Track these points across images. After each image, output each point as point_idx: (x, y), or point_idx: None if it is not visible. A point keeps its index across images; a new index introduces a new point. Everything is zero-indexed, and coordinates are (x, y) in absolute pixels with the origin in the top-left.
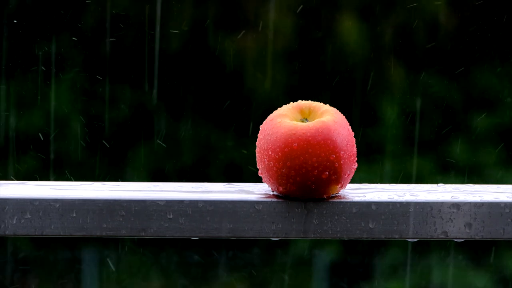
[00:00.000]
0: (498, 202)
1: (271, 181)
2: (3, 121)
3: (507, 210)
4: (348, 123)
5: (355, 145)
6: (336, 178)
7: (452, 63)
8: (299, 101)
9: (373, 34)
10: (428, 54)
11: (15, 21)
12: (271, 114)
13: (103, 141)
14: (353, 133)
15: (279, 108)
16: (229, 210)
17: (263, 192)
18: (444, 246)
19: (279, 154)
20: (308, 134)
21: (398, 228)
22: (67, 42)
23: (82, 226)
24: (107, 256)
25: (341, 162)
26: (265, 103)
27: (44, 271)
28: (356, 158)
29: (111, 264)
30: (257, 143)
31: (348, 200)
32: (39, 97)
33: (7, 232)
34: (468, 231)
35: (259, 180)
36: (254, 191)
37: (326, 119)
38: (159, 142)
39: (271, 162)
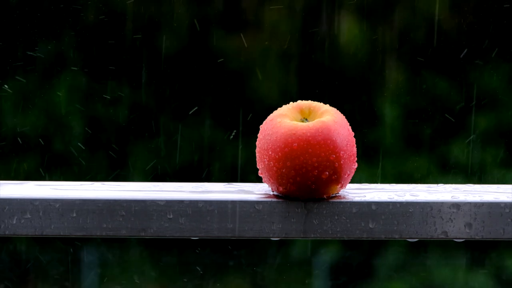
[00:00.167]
0: (498, 202)
1: (271, 181)
2: (3, 121)
3: (507, 210)
4: (348, 123)
5: (355, 145)
6: (336, 178)
7: (452, 63)
8: (299, 101)
9: (373, 34)
10: (428, 54)
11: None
12: (271, 114)
13: (103, 141)
14: (353, 133)
15: (279, 108)
16: (229, 210)
17: (263, 192)
18: (444, 246)
19: (279, 154)
20: (308, 134)
21: (398, 228)
22: (67, 42)
23: (82, 226)
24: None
25: (341, 162)
26: (265, 103)
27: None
28: (356, 158)
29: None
30: (257, 143)
31: (348, 200)
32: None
33: (7, 232)
34: (468, 231)
35: (259, 180)
36: (254, 191)
37: (326, 119)
38: (159, 142)
39: (271, 162)
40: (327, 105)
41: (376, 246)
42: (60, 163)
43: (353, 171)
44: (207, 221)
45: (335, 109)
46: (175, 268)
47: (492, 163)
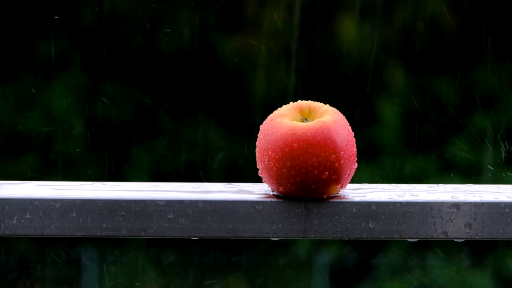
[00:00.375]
0: (498, 202)
1: (271, 181)
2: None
3: (507, 210)
4: (348, 123)
5: (355, 145)
6: (336, 178)
7: (452, 63)
8: (299, 101)
9: (373, 34)
10: (428, 54)
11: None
12: (271, 114)
13: (104, 141)
14: (353, 133)
15: (279, 108)
16: (229, 210)
17: (263, 192)
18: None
19: (279, 154)
20: (308, 134)
21: (398, 228)
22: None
23: (82, 226)
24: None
25: (341, 162)
26: (265, 103)
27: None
28: (356, 158)
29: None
30: (257, 143)
31: (348, 200)
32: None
33: (7, 232)
34: (468, 231)
35: (259, 180)
36: (254, 191)
37: (326, 119)
38: (159, 142)
39: (271, 162)
40: (327, 105)
41: (376, 246)
42: (60, 163)
43: (353, 171)
44: (207, 221)
45: (335, 109)
46: (175, 268)
47: (492, 163)
